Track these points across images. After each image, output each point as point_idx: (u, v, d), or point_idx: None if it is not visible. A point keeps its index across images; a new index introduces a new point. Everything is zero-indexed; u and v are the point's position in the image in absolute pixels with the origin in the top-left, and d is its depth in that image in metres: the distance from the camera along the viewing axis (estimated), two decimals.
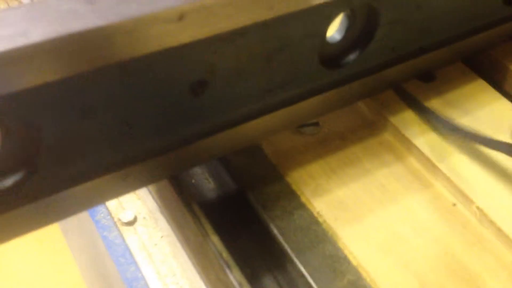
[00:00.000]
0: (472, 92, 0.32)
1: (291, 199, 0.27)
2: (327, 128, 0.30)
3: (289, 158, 0.28)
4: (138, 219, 0.35)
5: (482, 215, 0.26)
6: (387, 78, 0.30)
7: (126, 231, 0.35)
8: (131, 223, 0.35)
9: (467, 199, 0.27)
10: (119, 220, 0.36)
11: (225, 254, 0.23)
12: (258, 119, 0.27)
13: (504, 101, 0.32)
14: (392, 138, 0.30)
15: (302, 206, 0.26)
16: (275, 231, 0.25)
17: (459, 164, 0.28)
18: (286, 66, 0.26)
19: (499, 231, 0.25)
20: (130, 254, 0.34)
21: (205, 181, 0.29)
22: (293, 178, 0.28)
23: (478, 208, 0.26)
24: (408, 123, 0.30)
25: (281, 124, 0.28)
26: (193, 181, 0.30)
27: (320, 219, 0.26)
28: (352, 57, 0.28)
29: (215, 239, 0.24)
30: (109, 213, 0.35)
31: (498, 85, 0.35)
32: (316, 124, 0.30)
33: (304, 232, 0.25)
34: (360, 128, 0.31)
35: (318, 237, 0.25)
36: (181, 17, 0.20)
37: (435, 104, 0.31)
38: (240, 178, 0.28)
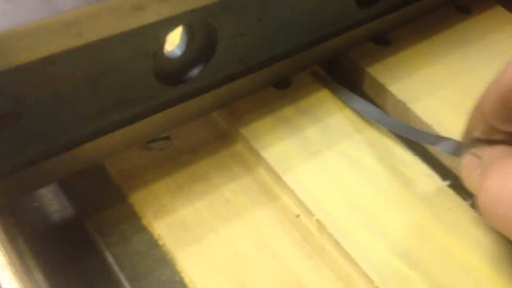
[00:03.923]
0: (322, 100, 0.32)
1: (131, 223, 0.26)
2: (178, 142, 0.30)
3: (134, 177, 0.28)
4: None
5: (321, 227, 0.27)
6: (237, 89, 0.30)
7: None
8: None
9: (308, 211, 0.27)
10: None
11: None
12: (95, 140, 0.26)
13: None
14: (244, 150, 0.30)
15: (142, 230, 0.26)
16: (110, 259, 0.25)
17: (303, 176, 0.28)
18: (117, 88, 0.25)
19: (336, 243, 0.26)
20: None
21: (49, 204, 0.28)
22: (136, 200, 0.27)
23: (317, 220, 0.27)
24: (259, 133, 0.30)
25: (124, 143, 0.27)
26: (36, 204, 0.28)
27: (160, 242, 0.26)
28: (195, 71, 0.28)
29: (38, 276, 0.23)
30: None
31: (357, 86, 0.36)
32: (166, 138, 0.30)
33: (142, 257, 0.25)
34: (213, 141, 0.30)
35: (156, 261, 0.25)
36: None
37: (287, 111, 0.31)
38: (80, 203, 0.27)
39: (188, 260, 0.25)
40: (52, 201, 0.29)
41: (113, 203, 0.27)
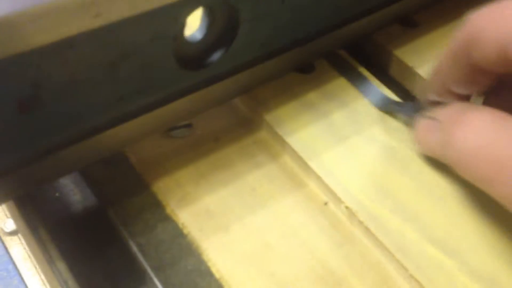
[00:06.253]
0: (348, 84, 0.31)
1: (155, 212, 0.25)
2: (200, 130, 0.29)
3: (156, 165, 0.27)
4: None
5: (350, 214, 0.26)
6: (259, 75, 0.29)
7: (10, 242, 0.33)
8: (15, 232, 0.33)
9: (336, 198, 0.26)
10: (2, 229, 0.34)
11: (71, 282, 0.22)
12: (115, 128, 0.25)
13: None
14: (268, 136, 0.29)
15: (166, 218, 0.25)
16: (135, 249, 0.24)
17: (331, 161, 0.27)
18: (137, 73, 0.24)
19: (367, 230, 0.25)
20: (14, 266, 0.32)
21: (70, 193, 0.28)
22: (159, 188, 0.26)
23: (347, 207, 0.26)
24: (283, 119, 0.29)
25: (145, 131, 0.27)
26: (57, 194, 0.28)
27: (185, 231, 0.25)
28: (216, 56, 0.27)
29: (61, 265, 0.22)
30: None
31: (383, 70, 0.34)
32: (188, 126, 0.29)
33: (167, 247, 0.24)
34: (236, 128, 0.29)
35: (182, 251, 0.24)
36: None
37: (311, 96, 0.30)
38: (102, 192, 0.26)
39: (214, 249, 0.24)
40: (73, 191, 0.28)
41: (135, 191, 0.26)
